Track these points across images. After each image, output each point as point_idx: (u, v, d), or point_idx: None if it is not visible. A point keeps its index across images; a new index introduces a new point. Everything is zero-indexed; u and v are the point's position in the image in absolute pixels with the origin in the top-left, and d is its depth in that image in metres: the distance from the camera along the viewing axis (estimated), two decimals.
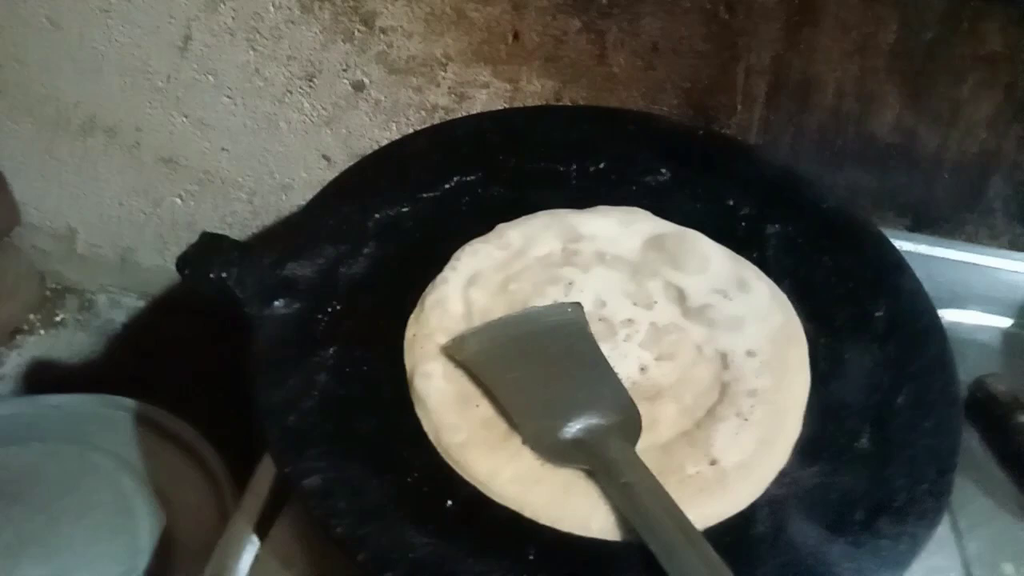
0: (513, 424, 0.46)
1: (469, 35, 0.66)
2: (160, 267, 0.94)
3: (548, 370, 0.48)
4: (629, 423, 0.46)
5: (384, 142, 0.74)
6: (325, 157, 0.77)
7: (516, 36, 0.65)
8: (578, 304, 0.52)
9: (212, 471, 0.64)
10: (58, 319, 0.98)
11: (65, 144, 0.85)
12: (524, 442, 0.45)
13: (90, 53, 0.76)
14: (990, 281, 0.64)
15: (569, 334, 0.50)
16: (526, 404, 0.46)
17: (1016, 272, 0.64)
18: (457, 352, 0.49)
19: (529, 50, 0.66)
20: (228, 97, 0.76)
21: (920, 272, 0.64)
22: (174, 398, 0.75)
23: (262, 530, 0.48)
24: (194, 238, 0.88)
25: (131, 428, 0.67)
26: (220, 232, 0.81)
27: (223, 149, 0.80)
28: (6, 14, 0.75)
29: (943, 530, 0.48)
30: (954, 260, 0.65)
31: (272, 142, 0.78)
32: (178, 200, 0.86)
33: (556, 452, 0.44)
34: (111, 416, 0.67)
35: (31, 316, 0.97)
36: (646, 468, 0.43)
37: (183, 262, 0.51)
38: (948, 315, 0.61)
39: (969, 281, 0.64)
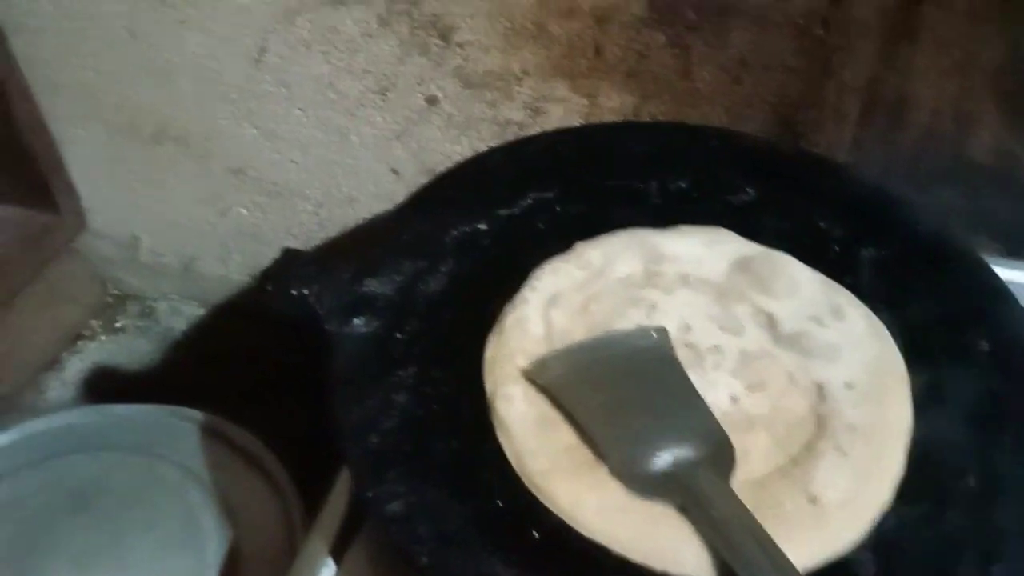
0: (598, 453, 0.44)
1: (548, 49, 0.65)
2: (222, 276, 0.94)
3: (633, 397, 0.47)
4: (721, 455, 0.44)
5: (455, 156, 0.74)
6: (394, 171, 0.77)
7: (598, 51, 0.64)
8: (663, 329, 0.50)
9: (278, 484, 0.63)
10: (118, 325, 0.99)
11: (135, 152, 0.86)
12: (611, 472, 0.43)
13: (165, 63, 0.77)
14: None
15: (654, 360, 0.49)
16: (612, 432, 0.44)
17: None
18: (538, 375, 0.47)
19: (610, 64, 0.64)
20: (300, 110, 0.75)
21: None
22: (232, 407, 0.75)
23: (337, 553, 0.47)
24: (259, 248, 0.89)
25: (197, 439, 0.66)
26: (285, 243, 0.82)
27: (292, 161, 0.80)
28: (86, 24, 0.76)
29: None
30: None
31: (342, 155, 0.77)
32: (244, 211, 0.86)
33: (645, 483, 0.42)
34: (177, 427, 0.67)
35: (92, 322, 0.98)
36: (740, 502, 0.41)
37: (266, 278, 0.50)
38: None
39: None
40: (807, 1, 0.56)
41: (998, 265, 0.62)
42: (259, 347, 0.86)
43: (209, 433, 0.67)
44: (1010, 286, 0.62)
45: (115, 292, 1.02)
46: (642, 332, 0.50)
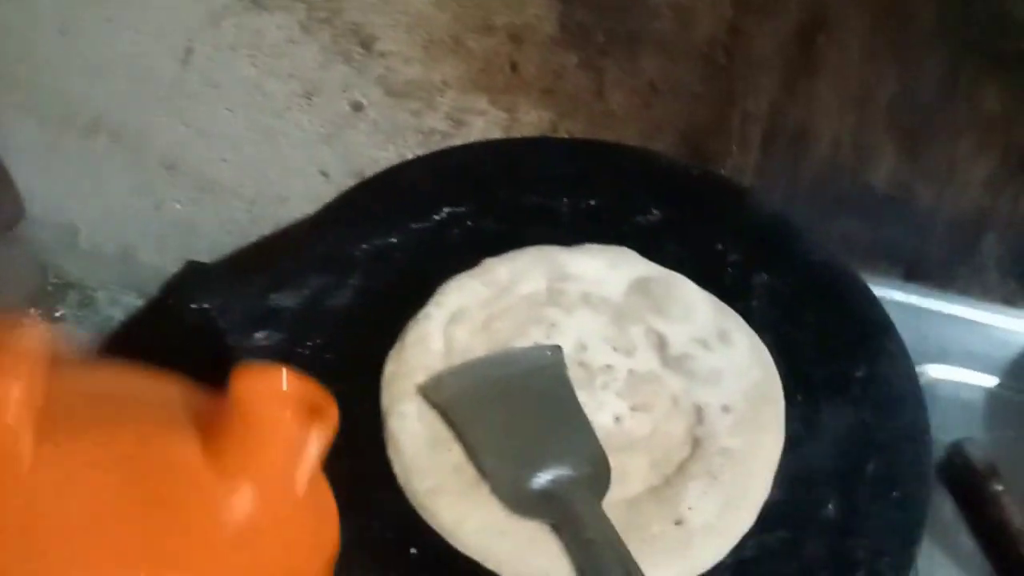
0: (481, 472, 0.46)
1: (467, 63, 0.66)
2: (160, 267, 0.95)
3: (522, 416, 0.48)
4: (599, 476, 0.46)
5: (382, 161, 0.75)
6: (323, 173, 0.78)
7: (514, 67, 0.65)
8: (558, 347, 0.52)
9: None
10: (58, 314, 0.99)
11: (70, 142, 0.86)
12: (491, 491, 0.45)
13: (97, 58, 0.77)
14: (980, 337, 0.63)
15: (547, 379, 0.50)
16: (495, 451, 0.46)
17: (1007, 330, 0.64)
18: (434, 394, 0.49)
19: (527, 81, 0.66)
20: (229, 110, 0.76)
21: (910, 324, 0.63)
22: None
23: None
24: (194, 242, 0.90)
25: None
26: (218, 238, 0.82)
27: (223, 159, 0.80)
28: (16, 20, 0.76)
29: None
30: (945, 313, 0.65)
31: (272, 155, 0.78)
32: (178, 205, 0.87)
33: (522, 503, 0.44)
34: None
35: (32, 310, 0.98)
36: (610, 524, 0.43)
37: (167, 290, 0.51)
38: (933, 370, 0.61)
39: (959, 336, 0.63)
40: (709, 30, 0.58)
41: (896, 289, 0.66)
42: (195, 339, 0.87)
43: None
44: (906, 309, 0.65)
45: (56, 280, 1.02)
46: (538, 351, 0.52)
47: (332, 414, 0.24)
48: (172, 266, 0.94)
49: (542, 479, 0.45)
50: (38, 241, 0.97)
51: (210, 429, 0.24)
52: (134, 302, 0.99)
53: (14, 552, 0.20)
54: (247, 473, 0.23)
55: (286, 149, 0.77)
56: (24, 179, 0.92)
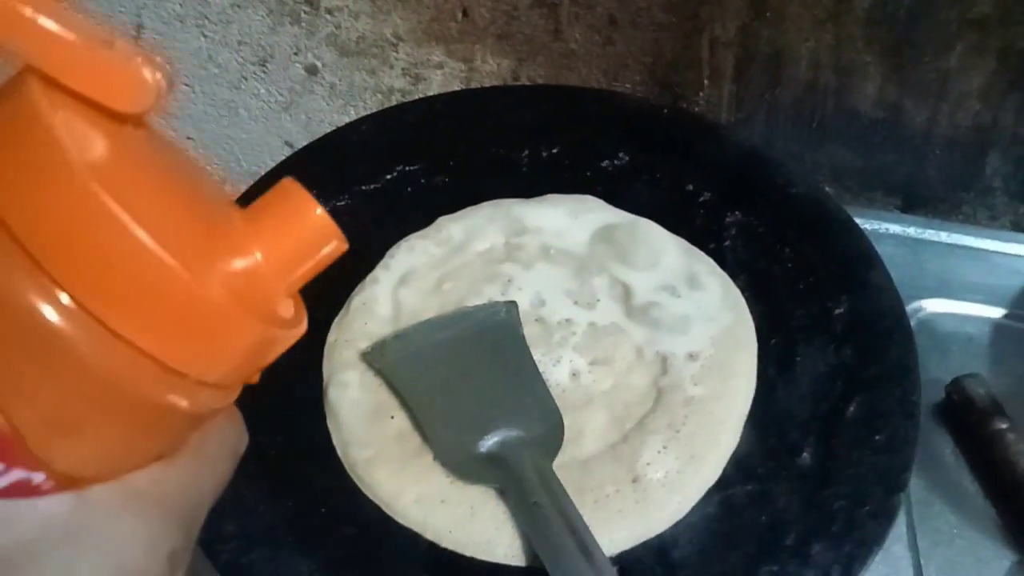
0: (425, 438, 0.43)
1: (417, 13, 0.62)
2: None
3: (471, 378, 0.45)
4: (550, 437, 0.43)
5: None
6: (288, 143, 0.75)
7: (465, 12, 0.61)
8: (513, 303, 0.49)
9: None
10: None
11: None
12: (435, 458, 0.42)
13: None
14: (985, 267, 0.58)
15: (499, 337, 0.47)
16: (440, 416, 0.43)
17: (1015, 255, 0.58)
18: (375, 359, 0.46)
19: (481, 27, 0.62)
20: (187, 85, 0.73)
21: (908, 258, 0.59)
22: None
23: None
24: None
25: None
26: None
27: (188, 138, 0.78)
28: None
29: (899, 549, 0.45)
30: (946, 243, 0.60)
31: (235, 129, 0.76)
32: None
33: (466, 468, 0.42)
34: None
35: None
36: (560, 487, 0.40)
37: None
38: (934, 305, 0.56)
39: (963, 267, 0.58)
40: None
41: (893, 222, 0.61)
42: None
43: None
44: (904, 241, 0.60)
45: None
46: (490, 308, 0.48)
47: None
48: None
49: (488, 442, 0.42)
50: None
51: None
52: None
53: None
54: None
55: (248, 122, 0.75)
56: None
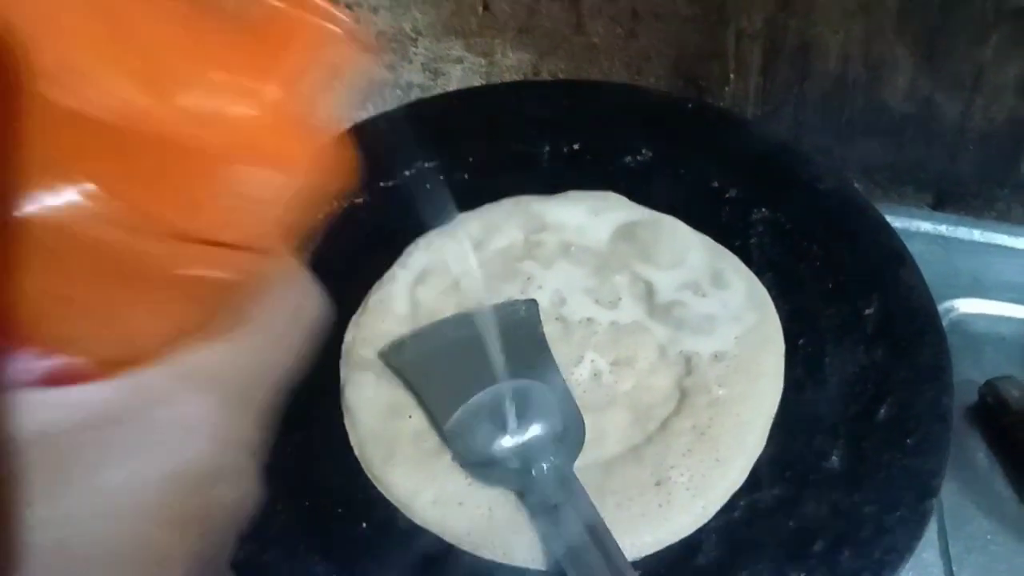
0: (444, 439, 0.42)
1: (437, 7, 0.61)
2: None
3: (489, 378, 0.44)
4: (571, 438, 0.42)
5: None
6: None
7: (486, 6, 0.60)
8: (533, 302, 0.48)
9: None
10: None
11: None
12: (453, 459, 0.42)
13: None
14: (1020, 265, 0.57)
15: (519, 337, 0.46)
16: (459, 418, 0.43)
17: None
18: (392, 358, 0.45)
19: (501, 21, 0.61)
20: None
21: (939, 256, 0.58)
22: None
23: None
24: None
25: None
26: None
27: None
28: None
29: (930, 555, 0.43)
30: (978, 242, 0.58)
31: None
32: None
33: (487, 472, 0.41)
34: None
35: None
36: (581, 489, 0.39)
37: None
38: (967, 305, 0.55)
39: (996, 266, 0.57)
40: None
41: (924, 219, 0.59)
42: None
43: None
44: (935, 239, 0.59)
45: None
46: (509, 307, 0.48)
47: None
48: None
49: (507, 443, 0.41)
50: None
51: None
52: None
53: None
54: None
55: None
56: None
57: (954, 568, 0.43)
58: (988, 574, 0.43)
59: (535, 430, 0.42)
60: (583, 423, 0.42)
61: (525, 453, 0.41)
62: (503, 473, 0.41)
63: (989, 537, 0.44)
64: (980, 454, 0.47)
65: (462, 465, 0.41)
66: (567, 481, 0.40)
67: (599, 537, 0.37)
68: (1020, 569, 0.43)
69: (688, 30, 0.57)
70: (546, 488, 0.39)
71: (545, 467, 0.40)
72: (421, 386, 0.44)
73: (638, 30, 0.58)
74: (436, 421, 0.43)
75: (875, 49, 0.55)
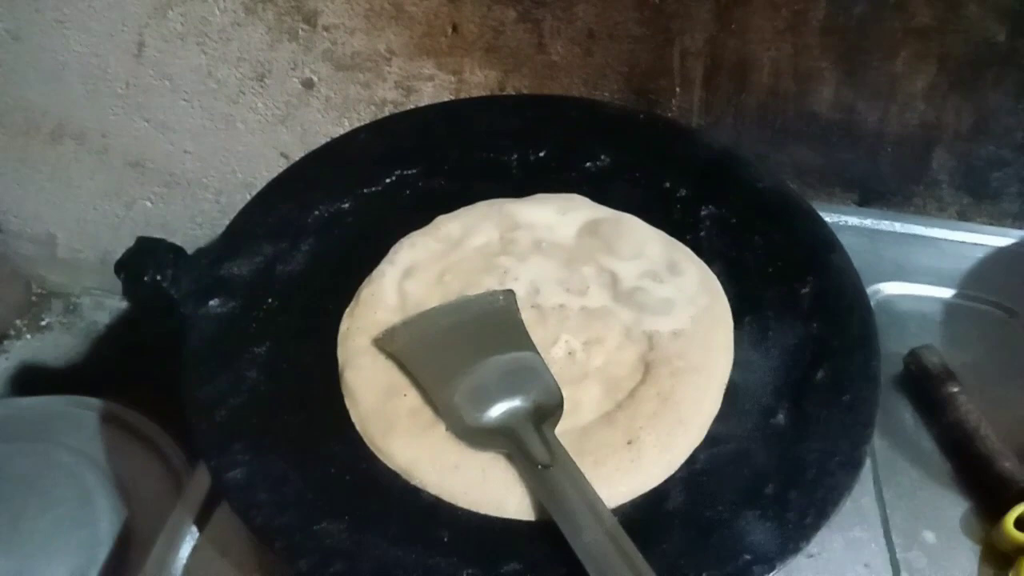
0: (438, 412, 0.47)
1: (410, 29, 0.67)
2: None
3: (474, 357, 0.49)
4: (550, 406, 0.47)
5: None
6: (283, 155, 0.79)
7: (455, 28, 0.66)
8: (510, 291, 0.53)
9: (172, 465, 0.65)
10: (44, 323, 1.01)
11: (37, 151, 0.87)
12: (447, 428, 0.46)
13: (52, 62, 0.78)
14: (936, 252, 0.64)
15: (499, 321, 0.51)
16: (451, 393, 0.47)
17: (961, 242, 0.64)
18: (387, 344, 0.50)
19: (469, 41, 0.66)
20: (185, 100, 0.77)
21: (866, 246, 0.65)
22: (153, 396, 0.77)
23: (202, 520, 0.49)
24: (168, 239, 0.91)
25: (96, 426, 0.69)
26: (190, 232, 0.83)
27: (186, 151, 0.81)
28: None
29: (867, 501, 0.50)
30: (899, 233, 0.65)
31: (232, 142, 0.79)
32: (148, 203, 0.88)
33: (478, 438, 0.46)
34: (77, 415, 0.69)
35: (17, 321, 1.00)
36: (563, 449, 0.44)
37: (119, 267, 0.52)
38: (891, 288, 0.62)
39: (915, 253, 0.64)
40: None
41: (852, 215, 0.66)
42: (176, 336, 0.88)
43: (107, 419, 0.69)
44: (862, 232, 0.66)
45: (39, 291, 1.04)
46: (489, 296, 0.53)
47: None
48: None
49: (495, 412, 0.46)
50: (17, 253, 0.99)
51: None
52: (118, 305, 1.01)
53: None
54: None
55: (245, 135, 0.78)
56: None
57: (888, 512, 0.49)
58: (917, 515, 0.49)
59: (518, 401, 0.47)
60: (561, 394, 0.47)
61: (510, 421, 0.46)
62: (492, 439, 0.45)
63: (917, 485, 0.51)
64: (907, 415, 0.54)
65: (455, 434, 0.46)
66: (549, 443, 0.45)
67: (582, 490, 0.42)
68: (943, 509, 0.50)
69: (638, 49, 0.64)
70: (533, 451, 0.44)
71: (529, 432, 0.45)
72: (415, 367, 0.49)
73: (594, 49, 0.64)
74: (430, 397, 0.47)
75: (803, 64, 0.62)
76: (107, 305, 1.02)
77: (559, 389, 0.48)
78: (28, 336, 1.00)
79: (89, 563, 0.58)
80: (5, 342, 0.99)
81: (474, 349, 0.50)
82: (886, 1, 0.57)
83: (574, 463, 0.44)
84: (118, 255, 0.95)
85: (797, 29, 0.60)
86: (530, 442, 0.45)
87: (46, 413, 0.69)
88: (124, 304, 1.01)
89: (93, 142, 0.84)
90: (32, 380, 0.97)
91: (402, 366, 0.49)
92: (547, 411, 0.47)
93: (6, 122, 0.85)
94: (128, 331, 1.00)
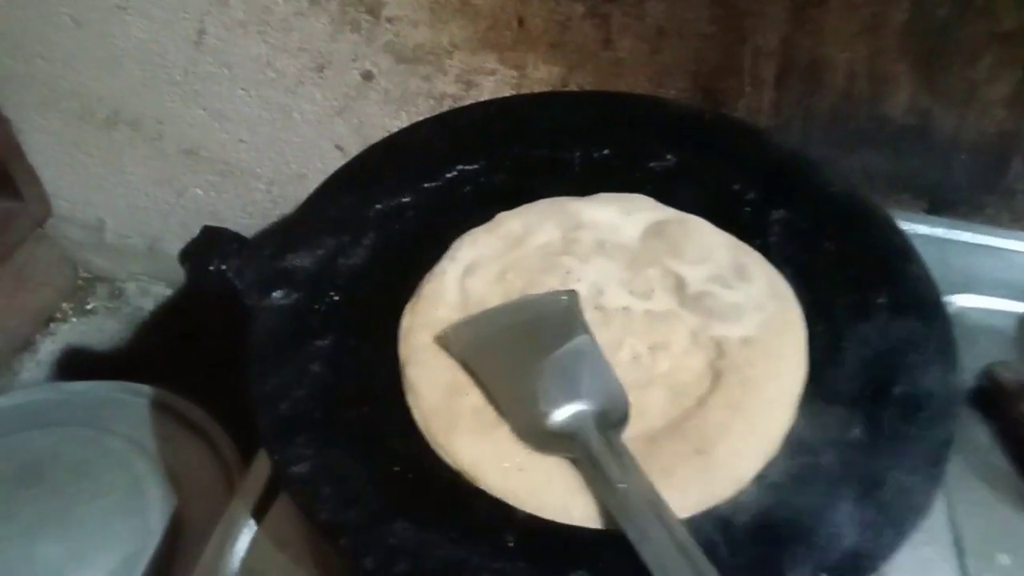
0: (502, 413, 0.46)
1: (474, 23, 0.66)
2: None
3: (539, 359, 0.48)
4: (617, 412, 0.46)
5: (395, 130, 0.75)
6: (338, 147, 0.78)
7: (521, 22, 0.65)
8: (573, 292, 0.52)
9: (223, 455, 0.65)
10: (89, 307, 1.02)
11: (91, 137, 0.88)
12: (512, 431, 0.45)
13: (111, 49, 0.78)
14: (1008, 264, 0.62)
15: (563, 323, 0.50)
16: (515, 394, 0.46)
17: None
18: (450, 343, 0.49)
19: (534, 36, 0.65)
20: (243, 89, 0.77)
21: (935, 256, 0.62)
22: (198, 384, 0.77)
23: (260, 513, 0.49)
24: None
25: (146, 413, 0.69)
26: (241, 221, 0.83)
27: (241, 140, 0.81)
28: (31, 13, 0.77)
29: (938, 521, 0.48)
30: (972, 243, 0.63)
31: (287, 132, 0.79)
32: (200, 191, 0.88)
33: (543, 441, 0.45)
34: (127, 401, 0.70)
35: (64, 304, 1.01)
36: (631, 456, 0.43)
37: (184, 256, 0.52)
38: (962, 300, 0.60)
39: (985, 265, 0.62)
40: None
41: (921, 223, 0.64)
42: (224, 326, 0.88)
43: (157, 407, 0.69)
44: (931, 241, 0.64)
45: (85, 275, 1.04)
46: (552, 296, 0.52)
47: None
48: None
49: (561, 417, 0.45)
50: (66, 237, 0.99)
51: None
52: (164, 292, 1.01)
53: None
54: None
55: (301, 126, 0.78)
56: (50, 177, 0.94)
57: (960, 531, 0.47)
58: (991, 538, 0.47)
59: (583, 405, 0.46)
60: (626, 398, 0.46)
61: (575, 425, 0.45)
62: (558, 443, 0.44)
63: (992, 506, 0.49)
64: (979, 432, 0.52)
65: (520, 437, 0.45)
66: (616, 449, 0.43)
67: (651, 499, 0.41)
68: (1017, 532, 0.48)
69: (708, 47, 0.62)
70: (597, 456, 0.43)
71: (595, 438, 0.44)
72: (478, 368, 0.48)
73: (662, 46, 0.63)
74: (493, 398, 0.47)
75: (879, 67, 0.60)
76: (152, 291, 1.02)
77: (624, 392, 0.47)
78: (74, 319, 1.01)
79: (140, 552, 0.58)
80: (52, 324, 1.00)
81: (538, 351, 0.49)
82: (972, 4, 0.55)
83: (641, 470, 0.43)
84: (167, 242, 0.97)
85: (875, 31, 0.58)
86: (596, 447, 0.44)
87: (96, 399, 0.70)
88: (169, 291, 1.01)
89: (148, 129, 0.84)
90: (77, 364, 0.98)
91: (464, 365, 0.49)
92: (613, 416, 0.45)
93: (62, 107, 0.86)
94: (174, 318, 1.01)
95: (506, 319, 0.50)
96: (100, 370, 0.96)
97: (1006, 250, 0.62)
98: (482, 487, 0.44)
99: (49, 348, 0.98)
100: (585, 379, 0.47)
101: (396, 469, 0.44)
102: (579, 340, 0.49)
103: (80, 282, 1.03)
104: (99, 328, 1.01)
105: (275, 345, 0.49)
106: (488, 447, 0.45)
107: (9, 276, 0.94)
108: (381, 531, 0.41)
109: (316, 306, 0.51)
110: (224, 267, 0.51)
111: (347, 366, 0.49)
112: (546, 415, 0.45)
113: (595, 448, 0.44)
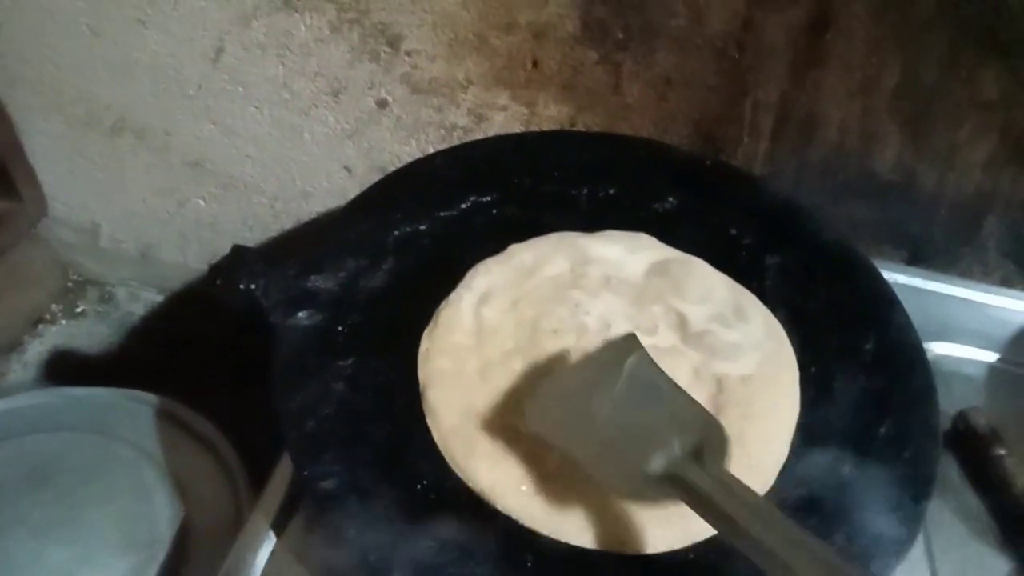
0: (602, 483, 0.44)
1: (490, 60, 0.69)
2: (180, 264, 0.98)
3: (618, 410, 0.45)
4: (712, 441, 0.44)
5: (404, 156, 0.78)
6: (346, 168, 0.80)
7: (535, 64, 0.68)
8: (632, 335, 0.49)
9: (228, 463, 0.67)
10: (79, 310, 1.02)
11: (94, 143, 0.88)
12: (611, 486, 0.44)
13: (125, 59, 0.79)
14: (980, 316, 0.66)
15: (631, 367, 0.47)
16: (604, 449, 0.44)
17: (1005, 308, 0.67)
18: (532, 424, 0.46)
19: (547, 77, 0.68)
20: (255, 107, 0.79)
21: (913, 304, 0.66)
22: (186, 390, 0.78)
23: (279, 527, 0.51)
24: (216, 238, 0.92)
25: (152, 421, 0.70)
26: (241, 234, 0.84)
27: (248, 156, 0.83)
28: (45, 19, 0.78)
29: (917, 553, 0.51)
30: (947, 294, 0.68)
31: (296, 151, 0.81)
32: (201, 202, 0.89)
33: (644, 489, 0.43)
34: (133, 409, 0.71)
35: (53, 306, 1.01)
36: (739, 483, 0.42)
37: (215, 272, 0.54)
38: (937, 347, 0.64)
39: (960, 315, 0.66)
40: (723, 25, 0.61)
41: (900, 272, 0.69)
42: (213, 334, 0.89)
43: (163, 415, 0.70)
44: (909, 290, 0.68)
45: (76, 277, 1.05)
46: (612, 345, 0.49)
47: None
48: (193, 262, 0.97)
49: (655, 461, 0.43)
50: (59, 239, 1.00)
51: None
52: (154, 298, 1.02)
53: None
54: None
55: (310, 145, 0.80)
56: (48, 178, 0.94)
57: (936, 565, 0.51)
58: (966, 567, 0.51)
59: (674, 447, 0.43)
60: (719, 424, 0.45)
61: (672, 465, 0.42)
62: (660, 488, 0.42)
63: (964, 541, 0.53)
64: (954, 473, 0.56)
65: (627, 497, 0.44)
66: (725, 483, 0.41)
67: (773, 521, 0.40)
68: (988, 568, 0.52)
69: (712, 97, 0.66)
70: (705, 493, 0.41)
71: (694, 476, 0.42)
72: (566, 445, 0.45)
73: (669, 94, 0.67)
74: (592, 474, 0.44)
75: (869, 125, 0.65)
76: (143, 297, 1.03)
77: (715, 419, 0.45)
78: (63, 322, 1.01)
79: (148, 560, 0.59)
80: (40, 326, 1.00)
81: (615, 402, 0.45)
82: (958, 74, 0.60)
83: (755, 493, 0.42)
84: (162, 249, 0.98)
85: (868, 92, 0.63)
86: (699, 484, 0.41)
87: (101, 405, 0.70)
88: (160, 297, 1.02)
89: (154, 139, 0.85)
90: (65, 366, 0.98)
91: (547, 440, 0.46)
92: (710, 447, 0.43)
93: (67, 112, 0.86)
94: (163, 324, 1.01)
95: (575, 380, 0.48)
96: (87, 373, 0.96)
97: (978, 303, 0.67)
98: (499, 508, 0.46)
99: (37, 350, 0.98)
100: (670, 416, 0.45)
101: (419, 488, 0.47)
102: (653, 378, 0.46)
103: (70, 284, 1.03)
104: (88, 331, 1.01)
105: (300, 364, 0.51)
106: (506, 470, 0.47)
107: (0, 275, 0.94)
108: (406, 549, 0.43)
109: (338, 327, 0.54)
110: (252, 286, 0.53)
111: (370, 386, 0.51)
112: (642, 463, 0.43)
113: (697, 484, 0.41)
